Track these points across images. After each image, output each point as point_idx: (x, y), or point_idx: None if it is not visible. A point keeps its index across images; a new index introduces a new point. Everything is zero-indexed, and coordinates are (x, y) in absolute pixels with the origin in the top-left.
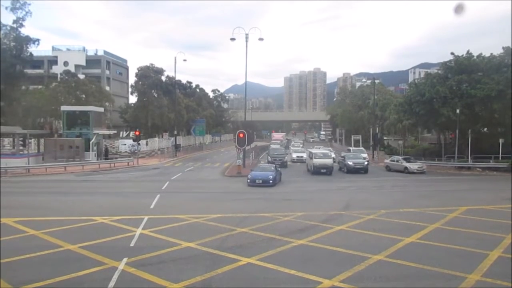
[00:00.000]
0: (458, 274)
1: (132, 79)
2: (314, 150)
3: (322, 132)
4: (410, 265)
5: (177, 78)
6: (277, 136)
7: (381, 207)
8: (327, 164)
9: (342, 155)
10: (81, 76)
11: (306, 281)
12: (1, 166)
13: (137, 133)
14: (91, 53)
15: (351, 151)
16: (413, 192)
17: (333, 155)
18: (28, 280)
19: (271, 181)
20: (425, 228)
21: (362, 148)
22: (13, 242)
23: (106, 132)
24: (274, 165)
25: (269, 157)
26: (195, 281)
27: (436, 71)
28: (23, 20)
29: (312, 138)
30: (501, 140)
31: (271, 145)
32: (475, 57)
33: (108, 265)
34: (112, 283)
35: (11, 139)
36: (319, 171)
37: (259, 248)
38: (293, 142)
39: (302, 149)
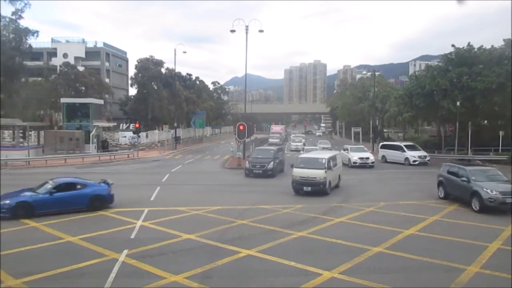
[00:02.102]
0: (457, 265)
1: (131, 71)
2: (316, 154)
3: (322, 125)
4: (409, 257)
5: (177, 70)
6: (276, 128)
7: (381, 200)
8: (314, 178)
9: (466, 170)
10: (81, 68)
11: (306, 272)
12: (2, 158)
13: (137, 125)
14: (90, 45)
15: (404, 148)
16: (413, 184)
17: (371, 158)
18: (30, 272)
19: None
20: (424, 221)
21: (415, 144)
22: (14, 234)
23: (106, 124)
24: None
25: (247, 163)
26: (195, 272)
27: (436, 63)
28: (22, 11)
29: (318, 131)
30: (501, 133)
31: (270, 139)
32: (476, 50)
33: (109, 257)
34: (113, 275)
35: (11, 131)
36: (300, 189)
37: (259, 240)
38: (292, 136)
39: (315, 147)
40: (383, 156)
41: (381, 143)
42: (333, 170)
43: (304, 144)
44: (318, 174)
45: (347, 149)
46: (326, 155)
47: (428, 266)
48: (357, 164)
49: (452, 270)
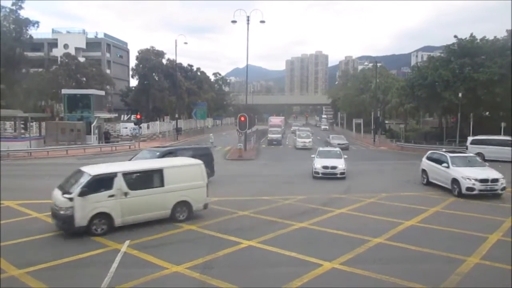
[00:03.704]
0: (457, 256)
1: (132, 62)
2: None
3: (324, 116)
4: (409, 248)
5: (178, 61)
6: (275, 121)
7: (381, 191)
8: (60, 208)
9: None
10: (82, 59)
11: (306, 263)
12: (4, 149)
13: (138, 116)
14: (91, 36)
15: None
16: (413, 175)
17: (501, 180)
18: (32, 262)
19: None
20: (425, 212)
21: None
22: (16, 224)
23: (107, 115)
24: None
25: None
26: (196, 263)
27: (439, 54)
28: (22, 2)
29: (323, 124)
30: (502, 124)
31: (269, 134)
32: (478, 40)
33: (111, 247)
34: (115, 265)
35: (12, 122)
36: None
37: (260, 231)
38: (297, 130)
39: (336, 150)
40: (479, 154)
41: (471, 138)
42: (130, 196)
43: (312, 141)
44: (60, 201)
45: (446, 161)
46: (116, 167)
47: (428, 257)
48: (474, 192)
49: (452, 261)
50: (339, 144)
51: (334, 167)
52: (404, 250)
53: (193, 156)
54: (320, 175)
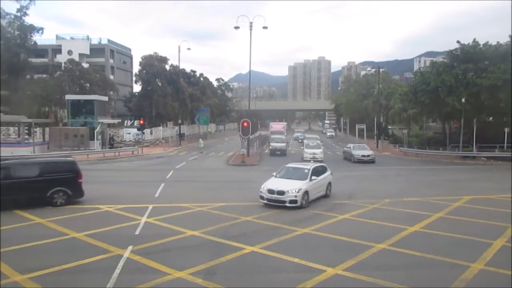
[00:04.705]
0: (461, 263)
1: (136, 68)
2: None
3: (327, 121)
4: (413, 254)
5: (181, 67)
6: (277, 127)
7: (385, 196)
8: None
9: None
10: (85, 65)
11: (309, 269)
12: (8, 154)
13: (141, 122)
14: (95, 42)
15: None
16: (417, 181)
17: None
18: (35, 267)
19: None
20: (429, 217)
21: None
22: (19, 230)
23: (111, 121)
24: None
25: None
26: (199, 268)
27: (441, 59)
28: (27, 8)
29: (329, 130)
30: (506, 130)
31: (272, 142)
32: (481, 46)
33: (114, 253)
34: (117, 271)
35: (16, 128)
36: None
37: (263, 237)
38: (300, 136)
39: (305, 168)
40: None
41: None
42: None
43: (323, 151)
44: None
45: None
46: None
47: (432, 263)
48: None
49: (456, 267)
50: (363, 156)
51: (281, 193)
52: (407, 256)
53: (41, 173)
54: (265, 201)
